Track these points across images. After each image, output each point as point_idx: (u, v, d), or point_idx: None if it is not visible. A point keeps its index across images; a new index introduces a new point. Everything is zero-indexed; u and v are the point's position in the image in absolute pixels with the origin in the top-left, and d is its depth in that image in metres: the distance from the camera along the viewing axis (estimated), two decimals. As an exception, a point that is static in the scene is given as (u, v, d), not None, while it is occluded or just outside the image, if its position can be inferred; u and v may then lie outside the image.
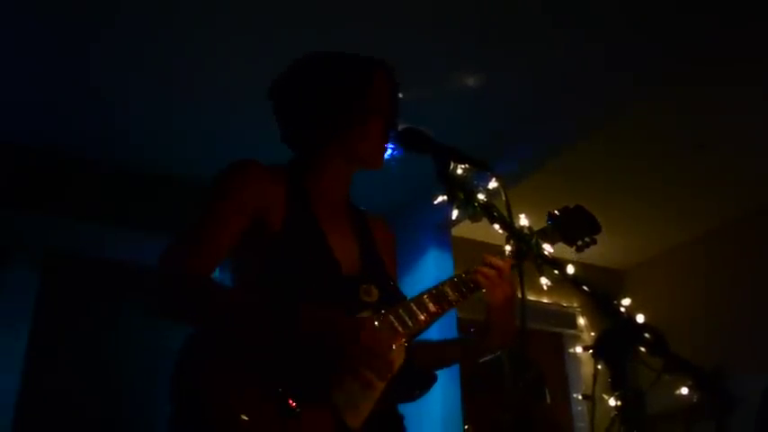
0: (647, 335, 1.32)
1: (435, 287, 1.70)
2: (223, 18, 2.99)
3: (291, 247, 1.60)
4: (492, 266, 1.73)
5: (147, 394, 3.60)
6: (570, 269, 1.56)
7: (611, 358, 1.31)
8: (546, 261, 1.61)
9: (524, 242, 1.63)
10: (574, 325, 5.10)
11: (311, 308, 1.44)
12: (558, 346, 5.13)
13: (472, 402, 4.10)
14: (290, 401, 1.41)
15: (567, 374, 5.04)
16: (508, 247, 1.78)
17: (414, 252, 4.17)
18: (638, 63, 3.22)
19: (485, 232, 2.06)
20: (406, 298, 1.68)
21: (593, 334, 5.07)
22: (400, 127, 1.69)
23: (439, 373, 1.68)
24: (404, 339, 1.56)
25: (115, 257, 3.82)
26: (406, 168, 1.85)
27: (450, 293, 1.69)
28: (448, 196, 1.64)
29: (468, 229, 4.20)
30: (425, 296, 1.66)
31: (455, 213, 1.72)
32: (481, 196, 1.62)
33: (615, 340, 1.33)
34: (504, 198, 1.56)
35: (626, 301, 1.66)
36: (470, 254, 3.87)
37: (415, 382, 1.57)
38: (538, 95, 3.50)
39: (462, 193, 1.62)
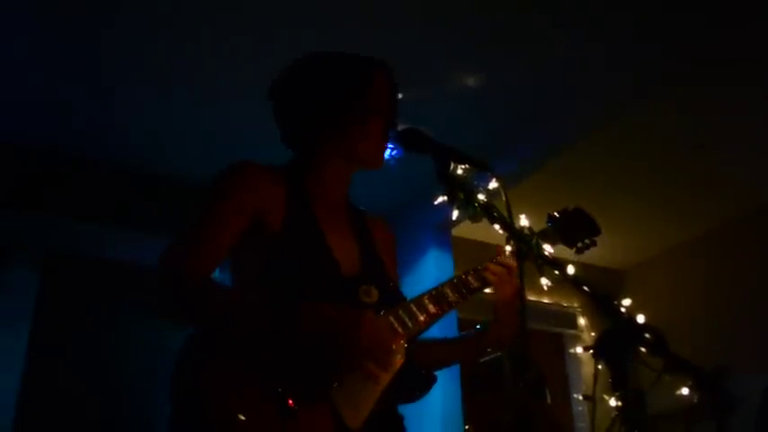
0: (647, 335, 1.32)
1: (435, 288, 1.70)
2: (223, 18, 2.99)
3: (291, 247, 1.59)
4: (501, 264, 1.76)
5: (147, 394, 3.60)
6: (570, 269, 1.56)
7: (611, 358, 1.31)
8: (546, 261, 1.61)
9: (524, 242, 1.63)
10: (574, 325, 5.11)
11: (311, 307, 1.44)
12: (558, 347, 5.13)
13: (472, 402, 4.10)
14: (289, 401, 1.41)
15: (568, 375, 5.04)
16: (508, 248, 1.79)
17: (414, 252, 4.17)
18: (638, 63, 3.22)
19: (485, 233, 2.06)
20: (405, 299, 1.68)
21: (593, 334, 5.07)
22: (400, 127, 1.69)
23: (439, 372, 1.68)
24: (403, 340, 1.56)
25: (115, 257, 3.82)
26: (407, 169, 1.85)
27: (450, 295, 1.70)
28: (448, 196, 1.64)
29: (468, 230, 4.20)
30: (425, 297, 1.66)
31: (455, 214, 1.72)
32: (481, 196, 1.62)
33: (616, 340, 1.33)
34: (504, 198, 1.55)
35: (626, 302, 1.65)
36: (471, 254, 3.87)
37: (415, 382, 1.57)
38: (538, 95, 3.50)
39: (462, 193, 1.62)
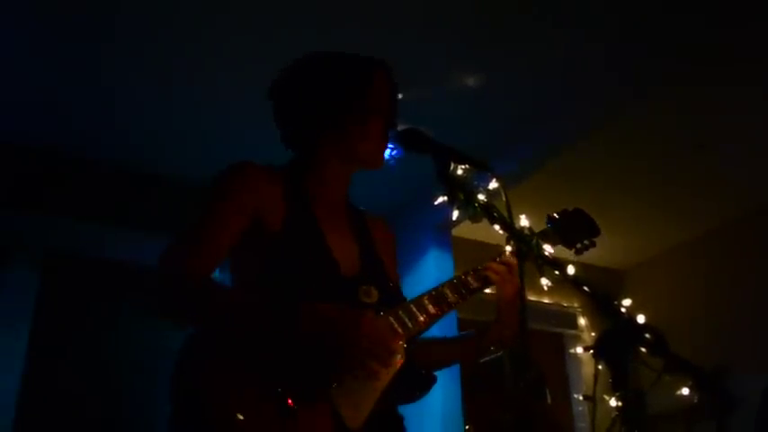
0: (647, 335, 1.32)
1: (435, 289, 1.70)
2: (223, 18, 2.99)
3: (291, 247, 1.60)
4: (502, 263, 1.77)
5: (147, 394, 3.60)
6: (571, 270, 1.56)
7: (611, 359, 1.31)
8: (546, 261, 1.61)
9: (525, 243, 1.63)
10: (574, 325, 5.11)
11: (311, 307, 1.44)
12: (558, 347, 5.13)
13: (473, 402, 4.10)
14: (289, 401, 1.41)
15: (568, 375, 5.05)
16: (509, 248, 1.79)
17: (414, 252, 4.17)
18: (638, 63, 3.22)
19: (485, 233, 2.06)
20: (405, 299, 1.68)
21: (593, 334, 5.07)
22: (400, 127, 1.69)
23: (439, 372, 1.68)
24: (403, 341, 1.56)
25: (115, 257, 3.82)
26: (407, 169, 1.85)
27: (450, 295, 1.70)
28: (448, 197, 1.64)
29: (468, 230, 4.20)
30: (425, 298, 1.67)
31: (455, 214, 1.72)
32: (481, 197, 1.63)
33: (616, 341, 1.33)
34: (504, 198, 1.56)
35: (626, 302, 1.65)
36: (471, 254, 3.87)
37: (415, 383, 1.57)
38: (538, 95, 3.50)
39: (462, 193, 1.62)
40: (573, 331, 5.11)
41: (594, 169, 4.05)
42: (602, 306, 1.40)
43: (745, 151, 3.94)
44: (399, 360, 1.52)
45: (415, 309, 1.63)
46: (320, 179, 1.74)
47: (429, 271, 4.10)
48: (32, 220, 3.66)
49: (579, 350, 4.94)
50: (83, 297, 3.76)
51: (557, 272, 1.56)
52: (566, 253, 1.84)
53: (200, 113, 3.59)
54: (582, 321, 5.13)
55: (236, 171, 1.65)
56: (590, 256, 1.87)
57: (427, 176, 1.64)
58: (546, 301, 4.77)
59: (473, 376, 4.11)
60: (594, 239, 1.86)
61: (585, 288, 1.45)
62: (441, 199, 1.67)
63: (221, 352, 1.45)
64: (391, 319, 1.58)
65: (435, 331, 1.75)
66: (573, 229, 1.84)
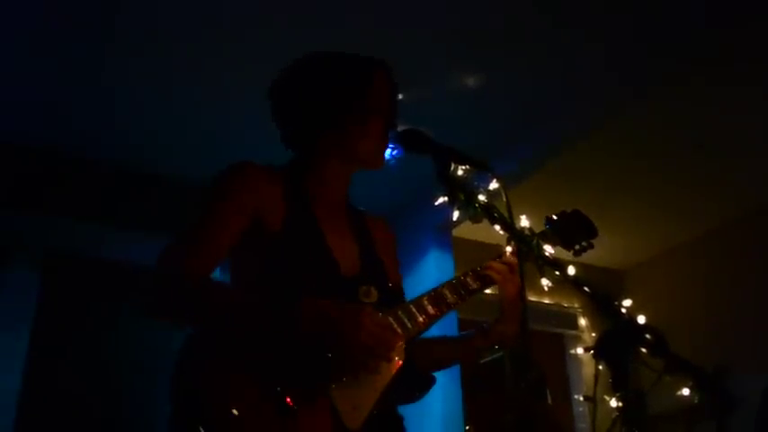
0: (647, 336, 1.32)
1: (434, 289, 1.70)
2: (223, 18, 2.99)
3: (291, 247, 1.60)
4: (503, 262, 1.78)
5: (147, 394, 3.60)
6: (571, 270, 1.56)
7: (612, 359, 1.31)
8: (547, 262, 1.61)
9: (525, 243, 1.64)
10: (575, 326, 5.11)
11: (312, 306, 1.43)
12: (559, 347, 5.13)
13: (473, 403, 4.10)
14: (287, 400, 1.40)
15: (569, 375, 5.04)
16: (509, 248, 1.79)
17: (414, 253, 4.17)
18: (638, 63, 3.22)
19: (485, 233, 2.06)
20: (405, 299, 1.68)
21: (594, 335, 5.07)
22: (400, 128, 1.69)
23: (440, 373, 1.68)
24: (402, 341, 1.56)
25: (115, 258, 3.82)
26: (407, 169, 1.85)
27: (449, 296, 1.71)
28: (448, 197, 1.64)
29: (468, 230, 4.20)
30: (424, 298, 1.67)
31: (456, 214, 1.72)
32: (482, 197, 1.63)
33: (616, 341, 1.33)
34: (504, 199, 1.56)
35: (627, 302, 1.65)
36: (471, 255, 3.87)
37: (415, 383, 1.57)
38: (538, 95, 3.50)
39: (463, 194, 1.62)
40: (573, 332, 5.11)
41: (594, 169, 4.05)
42: (603, 306, 1.40)
43: (745, 151, 3.94)
44: (398, 362, 1.52)
45: (414, 309, 1.63)
46: (320, 179, 1.74)
47: (429, 271, 4.10)
48: (32, 220, 3.66)
49: (580, 351, 4.94)
50: (83, 297, 3.76)
51: (557, 272, 1.56)
52: (565, 253, 1.85)
53: (200, 113, 3.59)
54: (582, 322, 5.13)
55: (236, 171, 1.65)
56: (590, 256, 1.87)
57: (427, 177, 1.64)
58: (546, 301, 4.77)
59: (474, 377, 4.11)
60: (593, 241, 1.86)
61: (586, 288, 1.45)
62: (441, 199, 1.67)
63: (221, 352, 1.45)
64: (390, 319, 1.57)
65: (435, 331, 1.75)
66: (571, 231, 1.85)
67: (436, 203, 1.73)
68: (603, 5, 2.96)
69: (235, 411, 1.37)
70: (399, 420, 1.63)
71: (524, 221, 1.79)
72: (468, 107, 3.56)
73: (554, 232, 1.82)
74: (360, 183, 1.83)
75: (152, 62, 3.25)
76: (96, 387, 3.61)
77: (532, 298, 4.19)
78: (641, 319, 1.55)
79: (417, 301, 1.65)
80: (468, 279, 1.76)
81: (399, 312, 1.60)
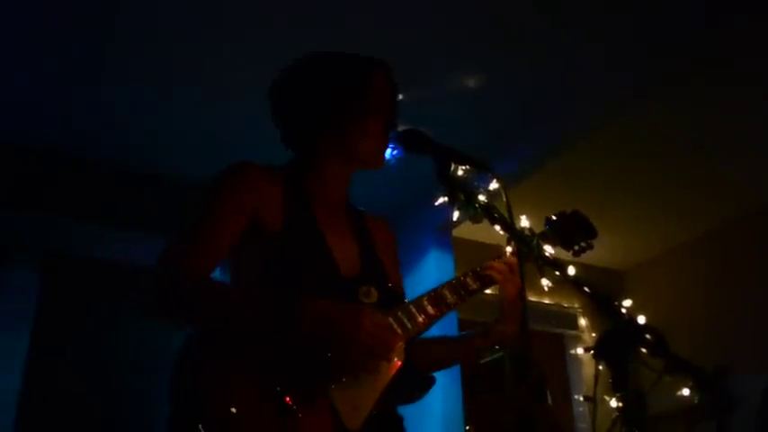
0: (647, 336, 1.32)
1: (434, 290, 1.70)
2: (223, 18, 2.99)
3: (290, 247, 1.60)
4: (503, 262, 1.78)
5: (147, 394, 3.60)
6: (571, 270, 1.56)
7: (612, 359, 1.31)
8: (547, 262, 1.61)
9: (525, 243, 1.64)
10: (575, 326, 5.10)
11: (312, 306, 1.43)
12: (559, 347, 5.12)
13: (473, 403, 4.10)
14: (287, 400, 1.40)
15: (569, 375, 5.04)
16: (509, 249, 1.79)
17: (415, 253, 4.17)
18: (638, 63, 3.22)
19: (486, 233, 2.06)
20: (405, 299, 1.68)
21: (594, 335, 5.07)
22: (401, 128, 1.69)
23: (440, 373, 1.68)
24: (402, 342, 1.56)
25: (115, 258, 3.82)
26: (407, 169, 1.85)
27: (449, 296, 1.71)
28: (449, 197, 1.64)
29: (468, 231, 4.20)
30: (424, 299, 1.67)
31: (456, 214, 1.72)
32: (482, 197, 1.62)
33: (616, 341, 1.33)
34: (504, 199, 1.56)
35: (627, 302, 1.65)
36: (471, 255, 3.87)
37: (415, 383, 1.57)
38: (538, 95, 3.50)
39: (463, 194, 1.62)
40: (573, 332, 5.10)
41: (594, 169, 4.05)
42: (603, 307, 1.40)
43: (745, 151, 3.94)
44: (398, 362, 1.52)
45: (414, 310, 1.63)
46: (320, 179, 1.74)
47: (430, 272, 4.10)
48: (32, 220, 3.66)
49: (580, 351, 4.94)
50: (83, 297, 3.76)
51: (557, 272, 1.56)
52: (565, 254, 1.85)
53: (200, 113, 3.59)
54: (582, 322, 5.12)
55: (236, 171, 1.65)
56: (590, 256, 1.87)
57: (428, 177, 1.64)
58: (546, 301, 4.77)
59: (474, 377, 4.12)
60: (592, 241, 1.86)
61: (586, 289, 1.45)
62: (441, 200, 1.67)
63: (221, 352, 1.45)
64: (390, 319, 1.57)
65: (435, 331, 1.75)
66: (570, 232, 1.85)
67: (436, 203, 1.73)
68: (603, 5, 2.96)
69: (234, 411, 1.37)
70: (399, 421, 1.63)
71: (524, 222, 1.79)
72: (468, 107, 3.56)
73: (553, 233, 1.82)
74: (360, 183, 1.83)
75: (152, 62, 3.24)
76: (96, 387, 3.61)
77: (532, 298, 4.19)
78: (641, 320, 1.55)
79: (417, 302, 1.65)
80: (468, 279, 1.76)
81: (399, 313, 1.60)
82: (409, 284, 1.82)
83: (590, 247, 1.86)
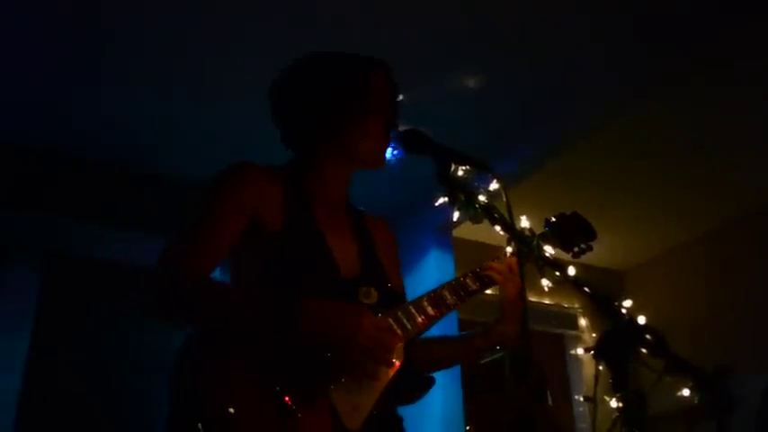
0: (648, 336, 1.32)
1: (434, 290, 1.70)
2: (223, 19, 2.99)
3: (290, 247, 1.60)
4: (503, 263, 1.79)
5: (147, 394, 3.60)
6: (571, 270, 1.56)
7: (612, 359, 1.31)
8: (547, 262, 1.61)
9: (525, 244, 1.64)
10: (575, 326, 5.10)
11: (312, 306, 1.43)
12: (559, 348, 5.12)
13: (473, 403, 4.10)
14: (287, 400, 1.40)
15: (569, 376, 5.04)
16: (509, 249, 1.79)
17: (415, 253, 4.17)
18: (638, 63, 3.22)
19: (486, 234, 2.06)
20: (405, 300, 1.68)
21: (594, 335, 5.07)
22: (401, 128, 1.69)
23: (440, 373, 1.68)
24: (402, 342, 1.56)
25: (115, 258, 3.82)
26: (407, 169, 1.85)
27: (449, 297, 1.71)
28: (449, 198, 1.64)
29: (469, 231, 4.20)
30: (424, 299, 1.67)
31: (456, 215, 1.72)
32: (482, 198, 1.62)
33: (616, 341, 1.33)
34: (504, 199, 1.56)
35: (627, 303, 1.65)
36: (471, 255, 3.87)
37: (414, 384, 1.57)
38: (538, 95, 3.50)
39: (463, 194, 1.62)
40: (574, 332, 5.10)
41: (594, 169, 4.05)
42: (603, 307, 1.40)
43: (745, 151, 3.94)
44: (398, 363, 1.52)
45: (413, 310, 1.63)
46: (320, 179, 1.74)
47: (430, 272, 4.10)
48: (32, 220, 3.66)
49: (580, 351, 4.94)
50: (83, 297, 3.76)
51: (557, 273, 1.56)
52: (565, 254, 1.85)
53: (200, 113, 3.59)
54: (582, 322, 5.12)
55: (236, 171, 1.65)
56: (590, 256, 1.87)
57: (428, 177, 1.64)
58: (547, 301, 4.77)
59: (474, 377, 4.11)
60: (591, 243, 1.86)
61: (586, 289, 1.45)
62: (441, 200, 1.67)
63: (221, 352, 1.44)
64: (390, 320, 1.57)
65: (435, 332, 1.75)
66: (570, 233, 1.85)
67: (436, 204, 1.73)
68: (603, 5, 2.96)
69: (234, 411, 1.37)
70: (399, 421, 1.63)
71: (524, 222, 1.79)
72: (468, 107, 3.56)
73: (553, 234, 1.82)
74: (360, 183, 1.83)
75: (152, 62, 3.25)
76: (96, 387, 3.61)
77: (533, 298, 4.20)
78: (641, 320, 1.55)
79: (417, 303, 1.65)
80: (468, 280, 1.76)
81: (399, 313, 1.60)
82: (409, 285, 1.82)
83: (589, 248, 1.86)
